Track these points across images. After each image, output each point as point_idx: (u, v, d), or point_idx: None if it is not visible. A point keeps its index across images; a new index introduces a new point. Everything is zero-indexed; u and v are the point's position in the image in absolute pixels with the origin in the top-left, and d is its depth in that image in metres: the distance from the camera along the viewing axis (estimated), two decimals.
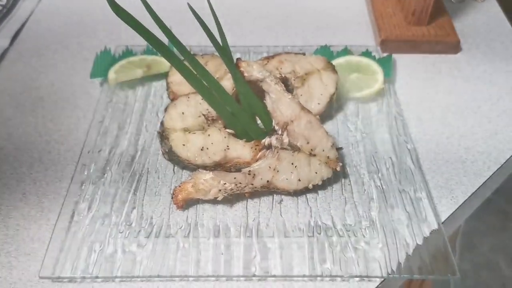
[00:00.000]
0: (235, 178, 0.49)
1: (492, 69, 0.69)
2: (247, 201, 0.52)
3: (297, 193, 0.52)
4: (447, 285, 1.36)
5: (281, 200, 0.52)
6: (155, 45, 0.49)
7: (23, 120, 0.62)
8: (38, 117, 0.63)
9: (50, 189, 0.54)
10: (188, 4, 0.52)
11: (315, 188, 0.52)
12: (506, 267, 1.44)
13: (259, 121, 0.58)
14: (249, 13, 0.81)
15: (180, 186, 0.50)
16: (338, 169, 0.52)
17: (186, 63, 0.53)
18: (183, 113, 0.54)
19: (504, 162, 0.56)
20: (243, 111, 0.54)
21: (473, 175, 0.55)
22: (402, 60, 0.71)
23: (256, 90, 0.56)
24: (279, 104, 0.54)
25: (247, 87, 0.55)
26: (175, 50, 0.54)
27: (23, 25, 0.79)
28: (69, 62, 0.71)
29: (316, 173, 0.51)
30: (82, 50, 0.74)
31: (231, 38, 0.56)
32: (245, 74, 0.55)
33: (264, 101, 0.56)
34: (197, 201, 0.51)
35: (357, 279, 0.45)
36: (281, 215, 0.50)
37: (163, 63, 0.65)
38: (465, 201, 0.52)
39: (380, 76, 0.63)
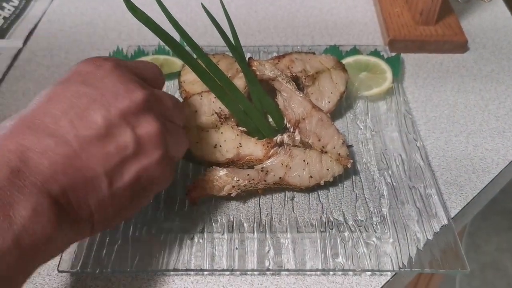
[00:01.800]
0: (248, 174, 0.50)
1: (499, 68, 0.70)
2: (259, 197, 0.53)
3: (308, 189, 0.53)
4: (452, 285, 1.37)
5: (293, 197, 0.53)
6: (169, 44, 0.50)
7: None
8: None
9: None
10: (202, 4, 0.53)
11: (327, 185, 0.53)
12: None
13: (271, 119, 0.58)
14: (257, 13, 0.83)
15: (194, 183, 0.51)
16: (349, 166, 0.53)
17: (199, 62, 0.54)
18: (196, 111, 0.55)
19: None
20: (255, 109, 0.55)
21: (481, 172, 0.56)
22: (410, 59, 0.72)
23: (267, 88, 0.57)
24: (291, 102, 0.55)
25: (259, 86, 0.56)
26: (187, 49, 0.55)
27: (35, 26, 0.80)
28: None
29: (328, 170, 0.52)
30: (94, 50, 0.75)
31: (240, 37, 0.57)
32: (257, 73, 0.56)
33: (276, 99, 0.57)
34: (211, 198, 0.52)
35: (369, 273, 0.46)
36: (293, 211, 0.51)
37: (175, 62, 0.66)
38: (474, 197, 0.53)
39: (388, 75, 0.64)
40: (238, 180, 0.50)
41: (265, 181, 0.51)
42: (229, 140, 0.53)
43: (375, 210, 0.51)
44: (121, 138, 0.35)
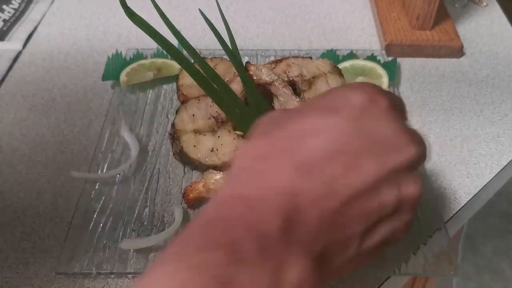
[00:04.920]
0: None
1: (495, 73, 0.71)
2: None
3: None
4: (449, 287, 1.37)
5: None
6: (167, 49, 0.50)
7: (37, 121, 0.64)
8: (51, 118, 0.64)
9: (64, 188, 0.55)
10: (200, 10, 0.54)
11: None
12: (509, 270, 1.44)
13: None
14: (255, 17, 0.83)
15: (191, 186, 0.51)
16: None
17: (196, 66, 0.54)
18: (193, 115, 0.56)
19: (506, 164, 0.58)
20: (252, 113, 0.56)
21: (475, 177, 0.56)
22: (407, 64, 0.73)
23: (264, 93, 0.58)
24: (287, 107, 0.56)
25: (256, 90, 0.56)
26: (184, 53, 0.56)
27: (35, 28, 0.81)
28: (80, 65, 0.73)
29: None
30: (93, 53, 0.75)
31: (238, 41, 0.57)
32: (254, 78, 0.57)
33: (273, 104, 0.58)
34: (208, 201, 0.53)
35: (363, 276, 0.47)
36: None
37: (173, 66, 0.67)
38: (467, 202, 0.54)
39: (385, 79, 0.65)
40: None
41: None
42: (226, 144, 0.54)
43: None
44: (386, 196, 0.30)
